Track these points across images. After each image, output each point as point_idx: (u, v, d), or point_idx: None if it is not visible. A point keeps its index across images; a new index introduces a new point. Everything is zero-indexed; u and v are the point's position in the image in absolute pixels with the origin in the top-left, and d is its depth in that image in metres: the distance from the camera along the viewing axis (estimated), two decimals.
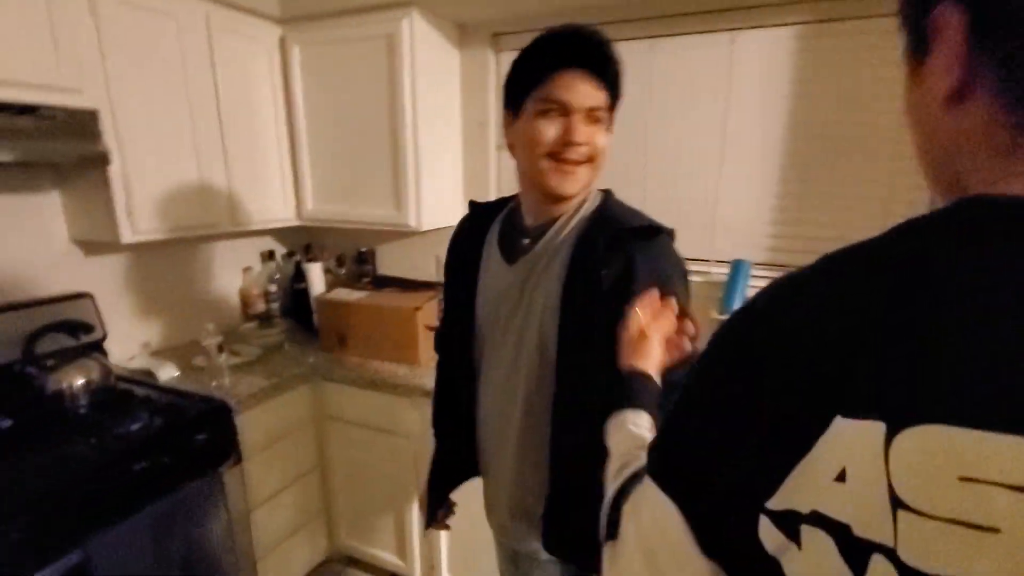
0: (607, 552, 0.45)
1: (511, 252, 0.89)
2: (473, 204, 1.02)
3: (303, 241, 2.27)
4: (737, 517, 0.32)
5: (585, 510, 0.77)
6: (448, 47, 1.87)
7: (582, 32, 0.77)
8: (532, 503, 0.90)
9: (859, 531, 0.26)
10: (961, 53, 0.31)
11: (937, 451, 0.24)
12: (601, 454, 0.72)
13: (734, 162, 1.69)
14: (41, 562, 1.06)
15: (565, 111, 0.77)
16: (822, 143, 1.58)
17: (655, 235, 0.78)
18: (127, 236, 1.47)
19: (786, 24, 1.55)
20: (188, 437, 1.33)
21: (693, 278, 1.74)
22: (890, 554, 0.25)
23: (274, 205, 1.92)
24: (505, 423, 0.93)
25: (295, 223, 2.01)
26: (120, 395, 1.45)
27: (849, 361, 0.28)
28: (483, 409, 0.98)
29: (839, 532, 0.27)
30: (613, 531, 0.46)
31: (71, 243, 1.59)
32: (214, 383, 1.57)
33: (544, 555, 0.90)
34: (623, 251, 0.76)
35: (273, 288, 2.13)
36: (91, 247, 1.63)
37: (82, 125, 1.32)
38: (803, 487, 0.29)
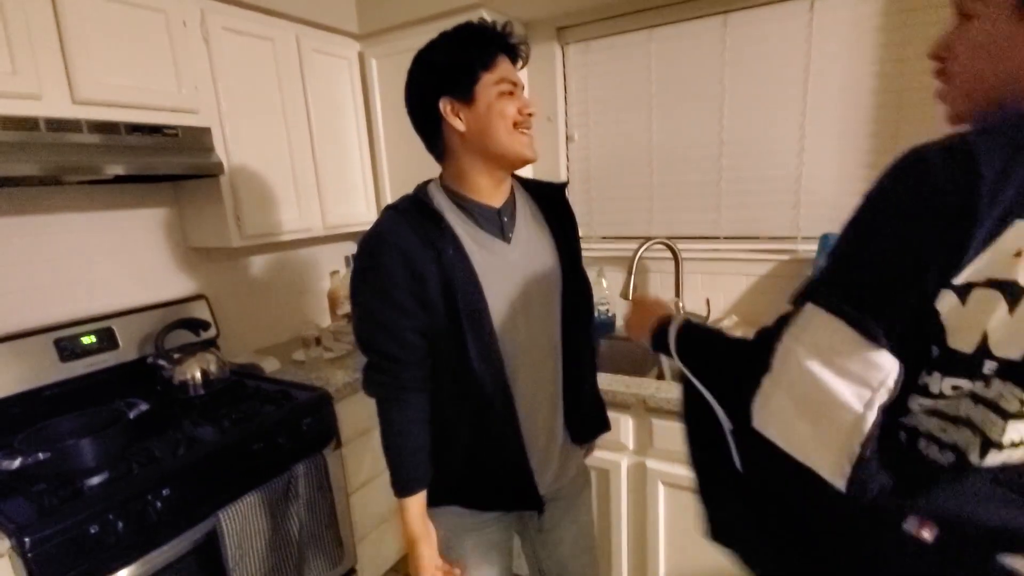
0: (766, 384, 0.53)
1: (501, 232, 0.94)
2: (401, 209, 0.93)
3: None
4: (918, 299, 0.46)
5: (592, 389, 1.11)
6: None
7: (500, 25, 0.91)
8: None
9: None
10: None
11: None
12: (590, 342, 1.09)
13: (817, 135, 1.62)
14: (178, 529, 1.18)
15: (515, 90, 0.89)
16: (915, 108, 1.49)
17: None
18: (236, 240, 1.62)
19: None
20: (297, 421, 1.43)
21: (779, 257, 1.70)
22: None
23: (358, 209, 2.04)
24: (555, 370, 1.00)
25: None
26: (234, 385, 1.59)
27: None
28: (523, 386, 0.94)
29: (1007, 286, 0.44)
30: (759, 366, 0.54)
31: (188, 250, 1.77)
32: (313, 374, 1.69)
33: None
34: (564, 196, 1.06)
35: None
36: (204, 253, 1.81)
37: (198, 141, 1.48)
38: (986, 266, 0.44)
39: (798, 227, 1.69)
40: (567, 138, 2.02)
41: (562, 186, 1.06)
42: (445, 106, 0.88)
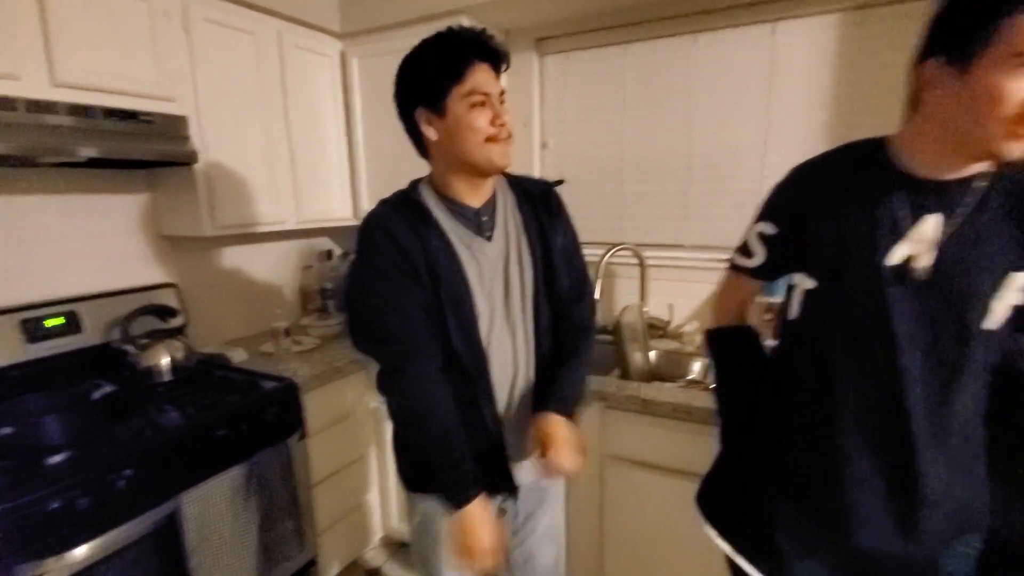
0: None
1: (481, 230, 0.98)
2: (391, 202, 0.99)
3: None
4: None
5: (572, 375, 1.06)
6: None
7: (478, 31, 0.92)
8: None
9: None
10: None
11: None
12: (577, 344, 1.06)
13: (778, 152, 1.71)
14: (140, 509, 1.19)
15: (488, 100, 0.90)
16: (866, 127, 1.58)
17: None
18: (208, 230, 1.63)
19: (827, 12, 1.58)
20: (262, 410, 1.44)
21: None
22: None
23: (334, 205, 2.07)
24: (527, 363, 1.02)
25: (352, 222, 2.15)
26: (200, 373, 1.60)
27: None
28: (502, 377, 1.00)
29: None
30: None
31: (159, 237, 1.77)
32: (281, 366, 1.70)
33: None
34: (551, 194, 1.07)
35: (329, 285, 2.27)
36: (176, 242, 1.81)
37: (174, 129, 1.49)
38: None
39: None
40: (542, 144, 2.08)
41: (548, 185, 1.08)
42: (420, 116, 0.94)
